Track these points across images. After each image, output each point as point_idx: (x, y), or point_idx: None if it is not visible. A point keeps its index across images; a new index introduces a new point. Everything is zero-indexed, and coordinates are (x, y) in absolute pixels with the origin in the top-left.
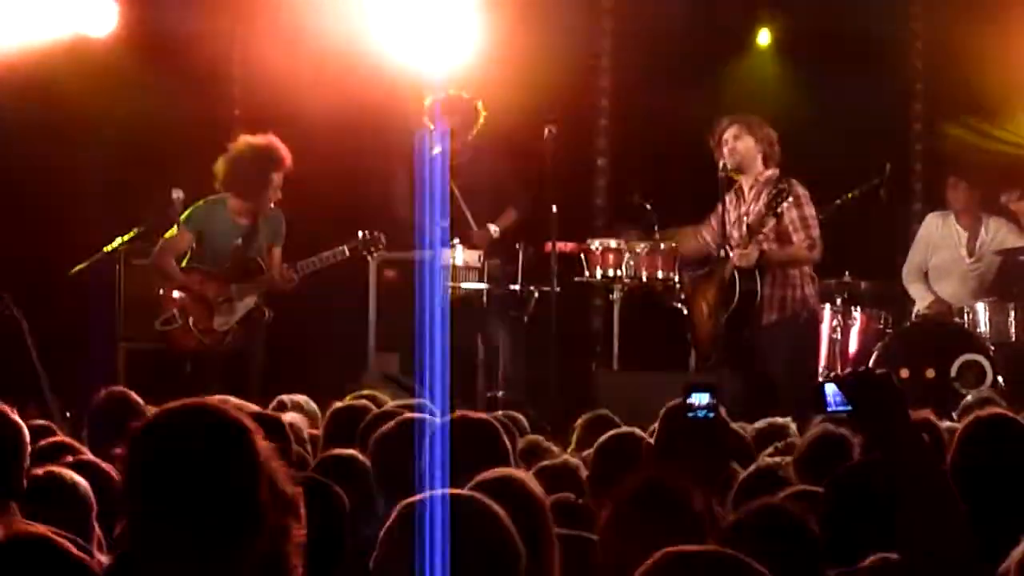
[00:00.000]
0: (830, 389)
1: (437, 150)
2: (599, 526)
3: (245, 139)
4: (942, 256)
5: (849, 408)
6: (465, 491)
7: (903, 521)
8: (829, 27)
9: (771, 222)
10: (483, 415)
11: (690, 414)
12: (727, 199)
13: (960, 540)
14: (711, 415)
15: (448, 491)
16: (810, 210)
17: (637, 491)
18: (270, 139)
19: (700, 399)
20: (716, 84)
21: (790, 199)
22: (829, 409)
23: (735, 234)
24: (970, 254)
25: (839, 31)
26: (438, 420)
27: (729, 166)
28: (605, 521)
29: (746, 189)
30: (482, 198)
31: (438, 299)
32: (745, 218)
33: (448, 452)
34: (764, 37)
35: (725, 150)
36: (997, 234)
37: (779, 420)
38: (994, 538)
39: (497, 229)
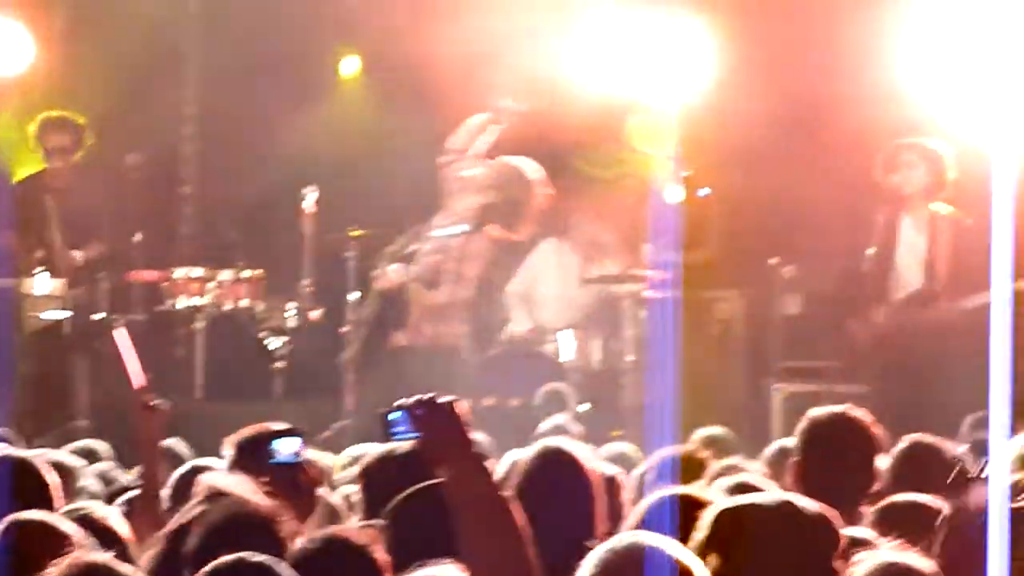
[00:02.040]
0: (396, 416)
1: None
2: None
3: None
4: (550, 283)
5: (415, 435)
6: None
7: (467, 541)
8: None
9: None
10: (25, 455)
11: (272, 460)
12: None
13: (520, 559)
14: (297, 459)
15: None
16: None
17: (223, 519)
18: None
19: (284, 445)
20: (305, 113)
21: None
22: (396, 436)
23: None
24: (575, 282)
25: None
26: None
27: None
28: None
29: None
30: (78, 223)
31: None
32: None
33: None
34: (350, 66)
35: None
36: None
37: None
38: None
39: (83, 256)
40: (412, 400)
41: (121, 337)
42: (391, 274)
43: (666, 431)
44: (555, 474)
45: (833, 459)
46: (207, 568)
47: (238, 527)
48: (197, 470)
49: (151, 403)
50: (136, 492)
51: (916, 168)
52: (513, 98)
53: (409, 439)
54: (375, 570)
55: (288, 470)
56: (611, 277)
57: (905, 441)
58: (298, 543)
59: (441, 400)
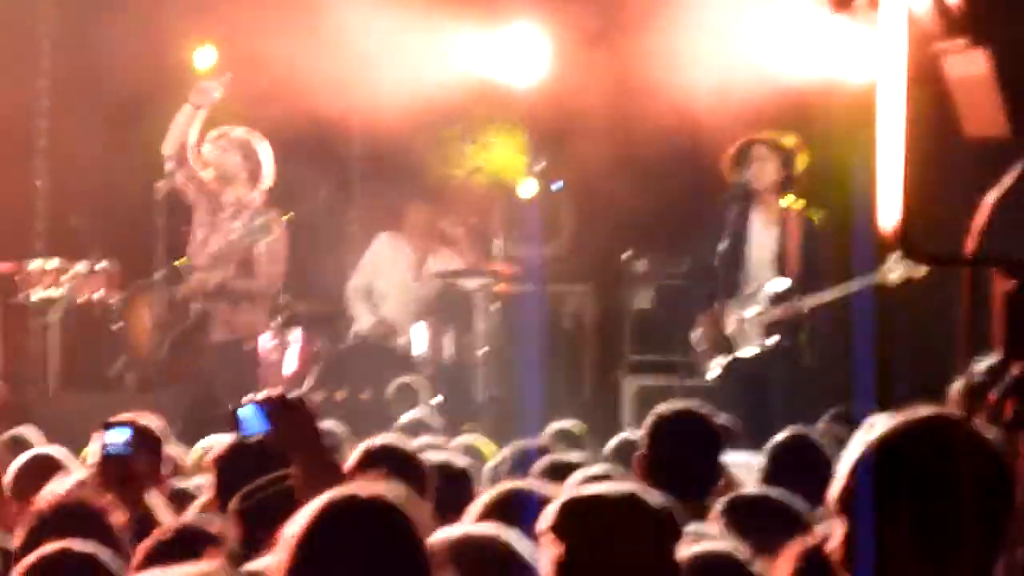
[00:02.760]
0: (247, 412)
1: None
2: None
3: None
4: (388, 277)
5: (266, 430)
6: None
7: None
8: None
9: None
10: None
11: (104, 452)
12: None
13: None
14: (129, 450)
15: None
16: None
17: (56, 508)
18: None
19: (115, 436)
20: (160, 105)
21: (269, 237)
22: (246, 432)
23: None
24: (415, 277)
25: None
26: None
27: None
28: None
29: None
30: None
31: None
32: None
33: None
34: (205, 58)
35: None
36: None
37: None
38: None
39: None
40: (262, 395)
41: None
42: (200, 279)
43: (518, 424)
44: (384, 467)
45: (678, 453)
46: (32, 557)
47: (65, 518)
48: (39, 458)
49: None
50: None
51: (768, 162)
52: (210, 80)
53: (260, 434)
54: (226, 558)
55: (118, 461)
56: (462, 271)
57: (787, 431)
58: (153, 534)
59: (290, 395)
